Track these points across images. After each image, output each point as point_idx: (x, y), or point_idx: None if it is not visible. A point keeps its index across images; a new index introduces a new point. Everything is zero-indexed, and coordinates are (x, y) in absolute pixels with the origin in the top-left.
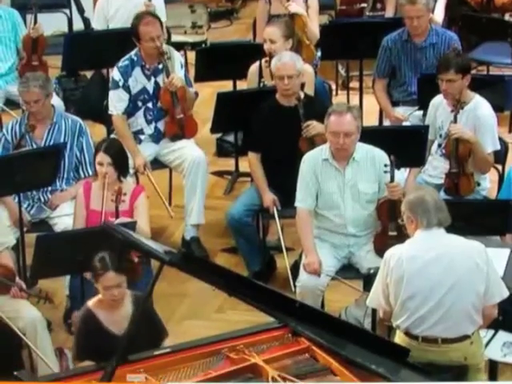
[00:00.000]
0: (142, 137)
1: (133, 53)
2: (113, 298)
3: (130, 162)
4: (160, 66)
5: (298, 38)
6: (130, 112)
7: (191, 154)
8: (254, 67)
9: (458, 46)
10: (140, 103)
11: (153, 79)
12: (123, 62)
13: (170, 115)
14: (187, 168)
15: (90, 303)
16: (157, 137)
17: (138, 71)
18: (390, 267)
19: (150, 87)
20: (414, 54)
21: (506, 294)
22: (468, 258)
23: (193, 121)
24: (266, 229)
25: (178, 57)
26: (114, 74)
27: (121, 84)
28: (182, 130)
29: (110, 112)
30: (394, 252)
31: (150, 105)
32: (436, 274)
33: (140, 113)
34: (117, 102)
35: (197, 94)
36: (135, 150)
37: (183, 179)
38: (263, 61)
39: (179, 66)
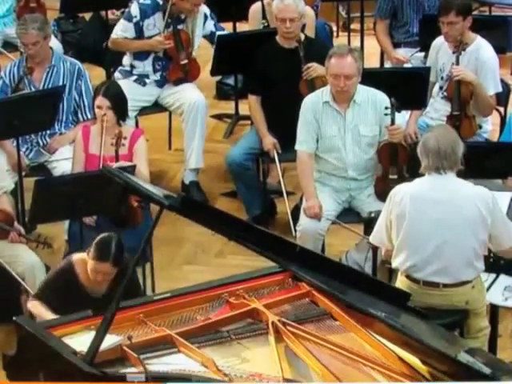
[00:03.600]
0: (147, 80)
1: None
2: (97, 280)
3: (131, 104)
4: (182, 17)
5: None
6: (138, 57)
7: (190, 97)
8: (255, 7)
9: None
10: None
11: (171, 28)
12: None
13: (175, 61)
14: (186, 111)
15: (75, 258)
16: (161, 82)
17: (159, 16)
18: (394, 203)
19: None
20: None
21: None
22: (472, 204)
23: (196, 64)
24: (266, 173)
25: (201, 10)
26: (133, 7)
27: (135, 20)
28: (186, 74)
29: (112, 36)
30: (400, 188)
31: (160, 53)
32: (437, 216)
33: (149, 60)
34: (121, 31)
35: None
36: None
37: (182, 123)
38: (265, 1)
39: (202, 20)
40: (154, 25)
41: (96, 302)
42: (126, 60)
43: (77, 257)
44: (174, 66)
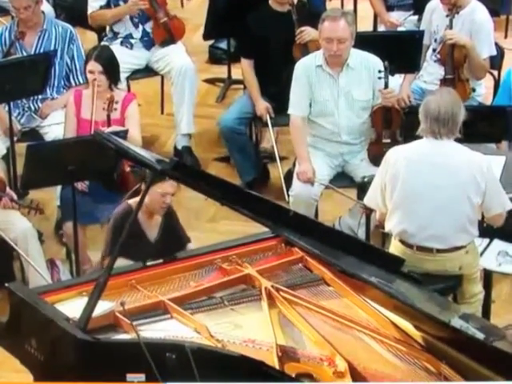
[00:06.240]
0: (133, 41)
1: None
2: (163, 206)
3: (121, 66)
4: None
5: None
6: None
7: (178, 61)
8: None
9: None
10: (122, 3)
11: None
12: None
13: (154, 21)
14: (174, 76)
15: (131, 202)
16: (147, 42)
17: None
18: (389, 165)
19: None
20: None
21: (508, 206)
22: (466, 169)
23: (178, 21)
24: (259, 137)
25: None
26: None
27: None
28: (170, 33)
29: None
30: (394, 151)
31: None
32: (431, 180)
33: (126, 16)
34: (93, 1)
35: None
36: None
37: (171, 87)
38: None
39: None
40: None
41: (152, 246)
42: (107, 27)
43: (131, 200)
44: (155, 26)
